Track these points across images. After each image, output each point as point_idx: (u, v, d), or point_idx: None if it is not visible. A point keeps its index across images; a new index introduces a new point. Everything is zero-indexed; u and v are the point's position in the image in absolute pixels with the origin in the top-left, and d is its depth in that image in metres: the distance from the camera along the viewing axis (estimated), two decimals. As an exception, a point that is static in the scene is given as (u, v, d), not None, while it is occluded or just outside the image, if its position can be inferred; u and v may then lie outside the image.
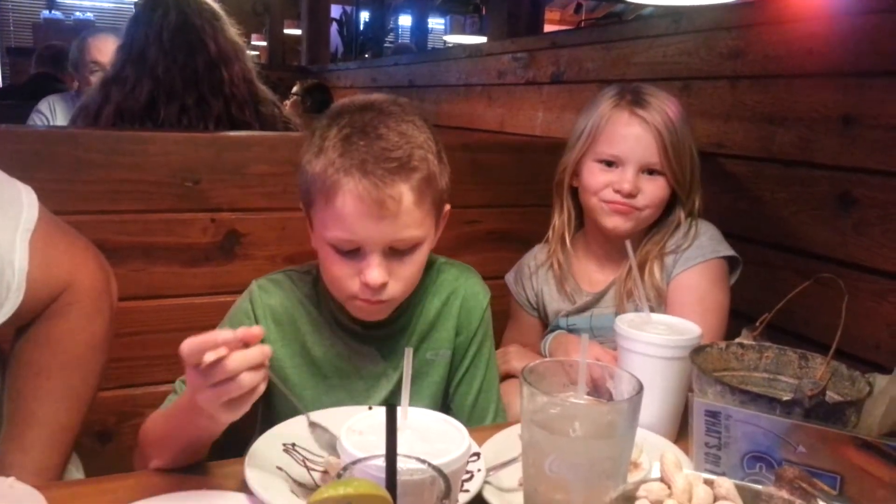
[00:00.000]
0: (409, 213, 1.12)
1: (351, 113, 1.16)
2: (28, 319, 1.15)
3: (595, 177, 1.55)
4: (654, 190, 1.53)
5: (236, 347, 0.87)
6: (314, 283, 1.30)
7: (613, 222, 1.55)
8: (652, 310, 1.35)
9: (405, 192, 1.11)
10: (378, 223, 1.10)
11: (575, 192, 1.65)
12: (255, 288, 1.27)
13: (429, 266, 1.27)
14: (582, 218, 1.68)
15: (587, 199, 1.59)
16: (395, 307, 1.23)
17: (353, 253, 1.14)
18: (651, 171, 1.53)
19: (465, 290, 1.35)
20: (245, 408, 0.91)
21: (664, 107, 1.53)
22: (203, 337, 0.86)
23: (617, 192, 1.52)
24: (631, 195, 1.52)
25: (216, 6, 2.10)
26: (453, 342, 1.33)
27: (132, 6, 6.96)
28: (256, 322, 1.22)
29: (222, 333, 0.87)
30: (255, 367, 0.88)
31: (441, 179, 1.19)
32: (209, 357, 0.85)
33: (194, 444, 1.04)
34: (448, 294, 1.32)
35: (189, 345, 0.87)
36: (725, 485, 0.70)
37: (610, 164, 1.55)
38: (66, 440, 1.18)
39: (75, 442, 1.21)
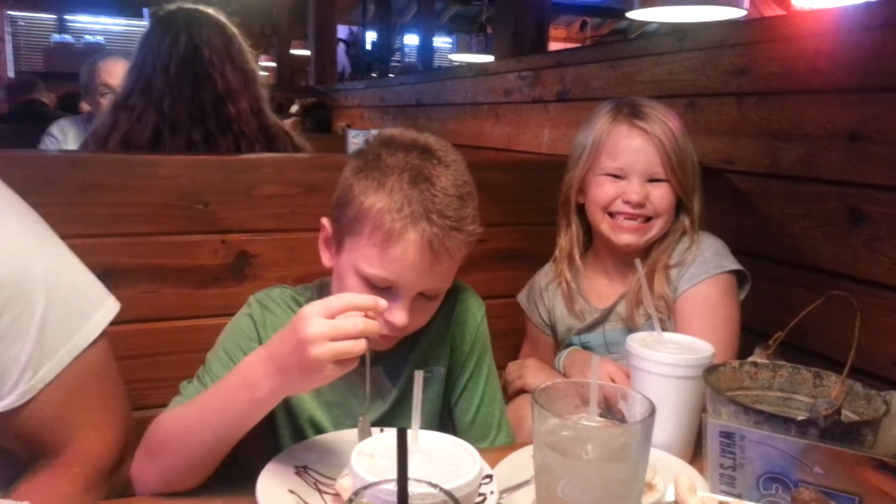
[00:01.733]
0: (452, 266, 1.17)
1: (409, 150, 1.16)
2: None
3: (603, 188, 1.56)
4: (661, 197, 1.54)
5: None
6: (312, 300, 1.29)
7: (626, 240, 1.55)
8: (662, 322, 1.35)
9: (459, 250, 1.15)
10: (428, 275, 1.13)
11: (581, 209, 1.65)
12: (255, 303, 1.27)
13: None
14: (589, 234, 1.68)
15: (595, 215, 1.59)
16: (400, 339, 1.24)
17: (383, 290, 1.13)
18: (656, 180, 1.54)
19: (458, 306, 1.35)
20: (341, 371, 0.95)
21: (662, 117, 1.55)
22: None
23: (626, 202, 1.53)
24: (640, 205, 1.52)
25: (229, 27, 2.06)
26: (448, 359, 1.33)
27: (142, 29, 7.03)
28: (259, 338, 1.22)
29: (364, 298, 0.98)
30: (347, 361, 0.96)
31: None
32: (382, 304, 0.98)
33: (229, 428, 1.02)
34: (442, 312, 1.33)
35: (344, 297, 0.99)
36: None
37: (616, 176, 1.55)
38: None
39: None
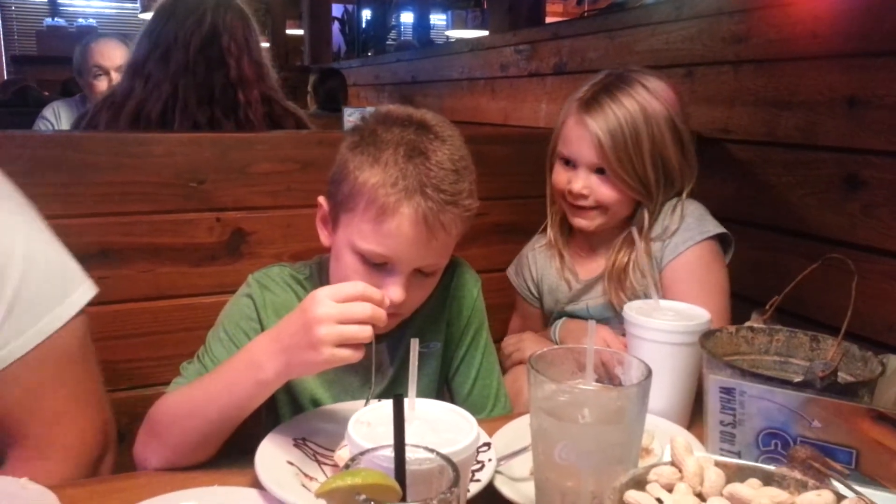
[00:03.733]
0: (450, 243, 1.16)
1: (405, 126, 1.15)
2: None
3: (557, 175, 1.59)
4: (604, 191, 1.52)
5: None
6: (311, 279, 1.29)
7: (578, 223, 1.58)
8: (645, 296, 1.35)
9: (455, 224, 1.13)
10: (423, 249, 1.11)
11: None
12: (254, 283, 1.26)
13: None
14: None
15: (556, 195, 1.62)
16: (399, 320, 1.24)
17: (379, 266, 1.13)
18: (600, 171, 1.52)
19: (454, 281, 1.35)
20: (344, 358, 0.97)
21: (616, 111, 1.49)
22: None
23: (569, 192, 1.55)
24: (583, 196, 1.53)
25: (252, 19, 2.05)
26: (444, 333, 1.34)
27: (134, 12, 6.97)
28: (259, 318, 1.22)
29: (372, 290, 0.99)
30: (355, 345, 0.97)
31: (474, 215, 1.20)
32: (377, 295, 0.98)
33: (234, 408, 1.03)
34: (439, 286, 1.32)
35: (357, 285, 1.00)
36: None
37: (568, 162, 1.57)
38: None
39: None
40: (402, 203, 1.08)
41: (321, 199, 1.23)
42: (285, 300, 1.25)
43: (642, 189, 1.52)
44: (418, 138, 1.13)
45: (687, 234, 1.52)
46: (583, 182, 1.53)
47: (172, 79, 1.91)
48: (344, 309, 0.96)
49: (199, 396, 1.06)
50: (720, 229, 1.54)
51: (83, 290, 1.07)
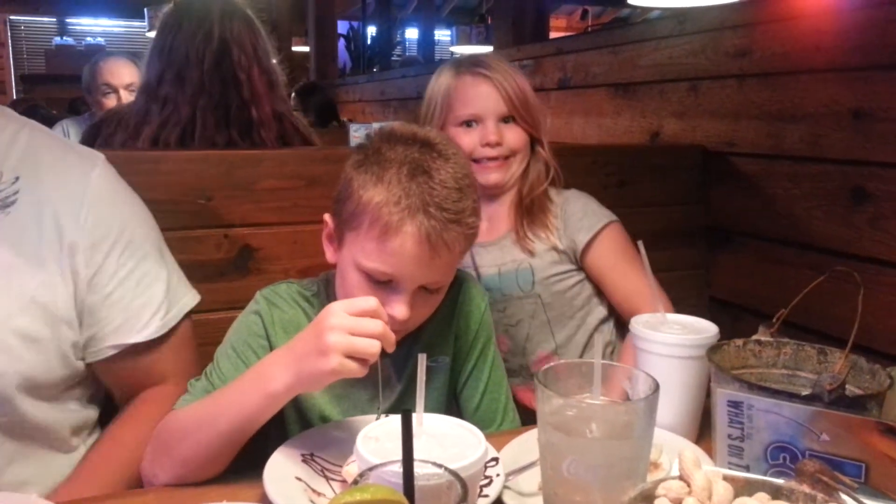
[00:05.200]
0: (454, 261, 1.17)
1: (409, 144, 1.16)
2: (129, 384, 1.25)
3: (462, 139, 1.63)
4: (514, 135, 1.65)
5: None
6: (318, 295, 1.30)
7: (494, 179, 1.66)
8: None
9: (458, 242, 1.14)
10: (426, 268, 1.12)
11: None
12: (262, 299, 1.27)
13: None
14: None
15: None
16: (404, 335, 1.24)
17: (384, 284, 1.14)
18: (506, 120, 1.65)
19: (461, 296, 1.35)
20: (350, 370, 0.98)
21: (499, 65, 1.68)
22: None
23: (486, 145, 1.63)
24: (498, 143, 1.64)
25: (256, 22, 2.03)
26: (452, 348, 1.34)
27: (141, 30, 7.02)
28: (267, 335, 1.23)
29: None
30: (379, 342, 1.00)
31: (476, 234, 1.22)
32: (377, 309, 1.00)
33: (244, 422, 1.04)
34: (446, 301, 1.33)
35: (371, 300, 1.01)
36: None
37: (469, 123, 1.66)
38: None
39: None
40: (405, 222, 1.09)
41: (327, 217, 1.24)
42: (293, 317, 1.26)
43: (535, 128, 1.68)
44: (422, 157, 1.14)
45: (596, 217, 1.66)
46: (496, 131, 1.63)
47: (191, 101, 1.90)
48: (356, 322, 0.98)
49: (209, 410, 1.07)
50: (611, 218, 1.67)
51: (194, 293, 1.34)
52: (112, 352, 1.19)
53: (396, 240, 1.09)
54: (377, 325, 0.98)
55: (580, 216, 1.66)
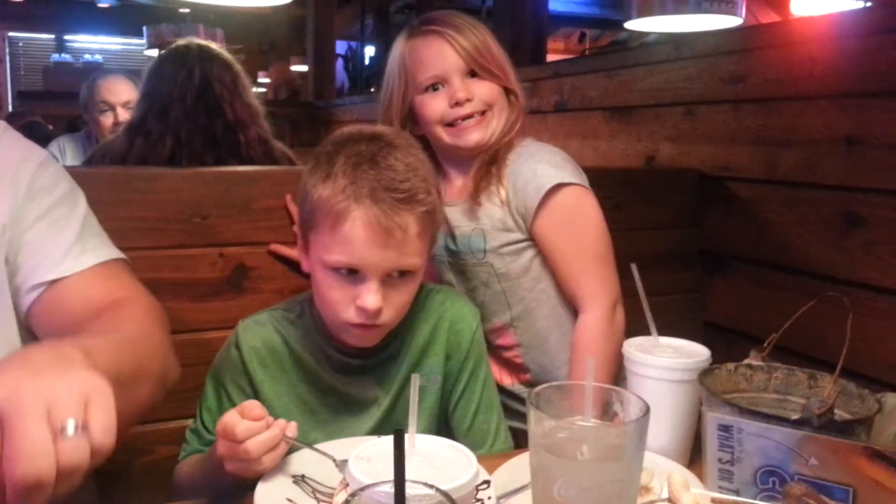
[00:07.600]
0: (412, 242, 1.17)
1: (357, 141, 1.19)
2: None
3: (430, 106, 1.53)
4: (484, 88, 1.51)
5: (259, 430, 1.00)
6: (301, 318, 1.31)
7: (475, 139, 1.51)
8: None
9: (411, 223, 1.15)
10: (382, 250, 1.14)
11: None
12: (241, 331, 1.29)
13: (417, 292, 1.28)
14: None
15: (435, 132, 1.55)
16: (386, 334, 1.26)
17: (351, 278, 1.16)
18: (472, 75, 1.51)
19: (452, 313, 1.35)
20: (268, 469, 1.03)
21: (452, 19, 1.53)
22: (235, 420, 1.00)
23: (455, 104, 1.50)
24: (469, 100, 1.49)
25: (235, 64, 2.22)
26: (444, 367, 1.33)
27: (139, 48, 7.07)
28: (244, 366, 1.26)
29: (245, 425, 0.99)
30: (274, 448, 1.02)
31: (438, 213, 1.25)
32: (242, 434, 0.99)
33: (228, 487, 1.08)
34: (436, 319, 1.33)
35: (223, 423, 1.00)
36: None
37: (435, 87, 1.52)
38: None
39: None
40: (351, 208, 1.13)
41: (295, 229, 1.27)
42: (272, 347, 1.29)
43: (505, 78, 1.54)
44: (369, 149, 1.17)
45: (544, 178, 1.48)
46: (463, 87, 1.49)
47: (174, 131, 2.06)
48: (233, 453, 1.01)
49: (197, 479, 1.16)
50: (574, 179, 1.49)
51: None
52: (34, 294, 1.11)
53: (346, 225, 1.13)
54: (253, 448, 1.00)
55: (529, 177, 1.48)
